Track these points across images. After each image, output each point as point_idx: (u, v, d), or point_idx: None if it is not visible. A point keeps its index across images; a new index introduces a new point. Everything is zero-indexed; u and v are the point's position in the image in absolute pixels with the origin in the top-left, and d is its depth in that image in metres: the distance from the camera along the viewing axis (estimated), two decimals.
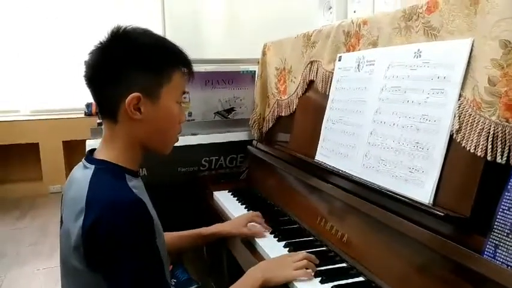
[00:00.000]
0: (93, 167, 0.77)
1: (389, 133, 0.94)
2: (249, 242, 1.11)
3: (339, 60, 1.19)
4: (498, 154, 0.68)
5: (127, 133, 0.79)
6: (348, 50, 1.17)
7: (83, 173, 0.78)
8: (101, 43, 0.79)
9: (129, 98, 0.76)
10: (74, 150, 3.60)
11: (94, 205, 0.70)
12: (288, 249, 1.02)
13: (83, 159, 0.82)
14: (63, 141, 3.72)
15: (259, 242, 1.08)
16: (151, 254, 0.72)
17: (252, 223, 1.14)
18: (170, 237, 1.11)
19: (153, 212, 0.78)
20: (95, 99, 0.81)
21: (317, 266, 0.91)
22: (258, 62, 1.69)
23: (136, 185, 0.79)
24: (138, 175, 0.84)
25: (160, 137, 0.83)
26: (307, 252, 0.97)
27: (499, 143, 0.68)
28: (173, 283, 1.59)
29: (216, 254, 1.52)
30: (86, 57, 0.79)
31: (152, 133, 0.81)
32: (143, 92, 0.77)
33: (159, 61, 0.79)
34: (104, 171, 0.77)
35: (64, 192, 0.84)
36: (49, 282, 2.21)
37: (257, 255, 1.04)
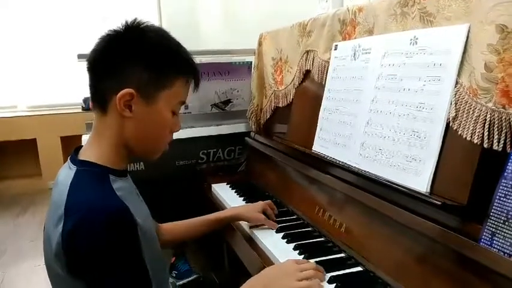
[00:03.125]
0: (75, 168, 0.73)
1: (386, 122, 0.93)
2: (247, 234, 1.11)
3: (335, 49, 1.18)
4: (494, 141, 0.68)
5: (114, 128, 0.75)
6: (344, 39, 1.16)
7: (66, 175, 0.73)
8: (114, 31, 0.76)
9: (121, 92, 0.72)
10: (72, 146, 3.55)
11: (73, 211, 0.66)
12: (285, 240, 1.02)
13: (68, 159, 0.78)
14: (61, 137, 3.71)
15: (257, 233, 1.08)
16: (133, 262, 0.68)
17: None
18: (183, 225, 1.10)
19: (139, 214, 0.73)
20: (90, 84, 0.77)
21: (315, 256, 0.91)
22: (255, 53, 1.68)
23: (121, 186, 0.74)
24: (125, 174, 0.80)
25: (147, 142, 0.79)
26: (306, 243, 0.97)
27: (495, 130, 0.67)
28: (174, 275, 1.60)
29: (216, 247, 1.52)
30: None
31: (139, 136, 0.77)
32: (138, 90, 0.73)
33: (165, 63, 0.75)
34: (86, 173, 0.72)
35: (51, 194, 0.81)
36: None
37: (255, 247, 1.04)
